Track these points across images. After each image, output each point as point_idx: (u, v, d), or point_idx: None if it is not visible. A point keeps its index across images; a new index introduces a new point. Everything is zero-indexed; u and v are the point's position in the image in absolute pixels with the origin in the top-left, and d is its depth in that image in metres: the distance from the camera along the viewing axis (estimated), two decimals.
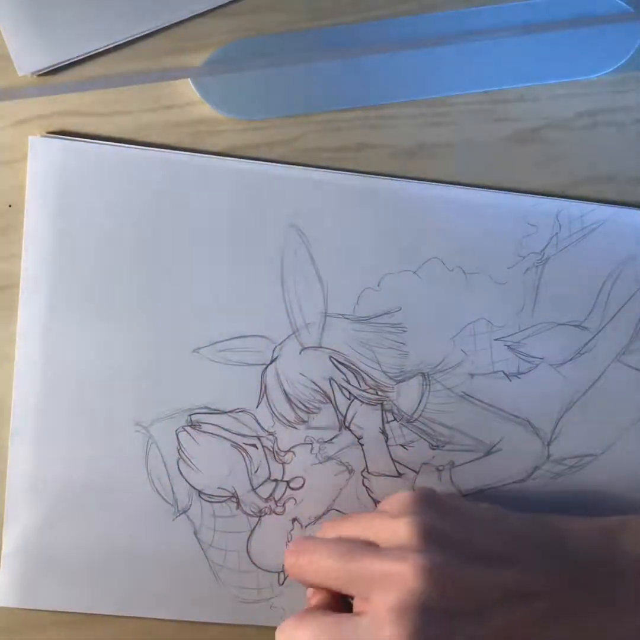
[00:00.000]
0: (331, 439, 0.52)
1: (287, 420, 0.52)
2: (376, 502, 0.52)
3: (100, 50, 0.49)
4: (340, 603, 0.47)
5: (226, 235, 0.51)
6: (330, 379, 0.52)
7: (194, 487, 0.51)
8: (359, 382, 0.52)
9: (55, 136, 0.50)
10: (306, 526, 0.52)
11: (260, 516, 0.52)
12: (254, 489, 0.52)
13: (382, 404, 0.52)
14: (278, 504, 0.52)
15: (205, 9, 0.48)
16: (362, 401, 0.52)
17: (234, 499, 0.52)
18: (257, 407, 0.52)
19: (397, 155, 0.51)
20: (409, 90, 0.50)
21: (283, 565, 0.52)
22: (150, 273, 0.50)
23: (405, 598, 0.42)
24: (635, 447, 0.53)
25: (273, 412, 0.52)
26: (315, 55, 0.49)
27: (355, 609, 0.45)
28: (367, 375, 0.52)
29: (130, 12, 0.48)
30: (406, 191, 0.51)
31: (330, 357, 0.52)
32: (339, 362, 0.52)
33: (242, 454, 0.52)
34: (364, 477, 0.52)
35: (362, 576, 0.44)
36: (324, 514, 0.52)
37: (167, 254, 0.50)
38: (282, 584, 0.53)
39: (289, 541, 0.52)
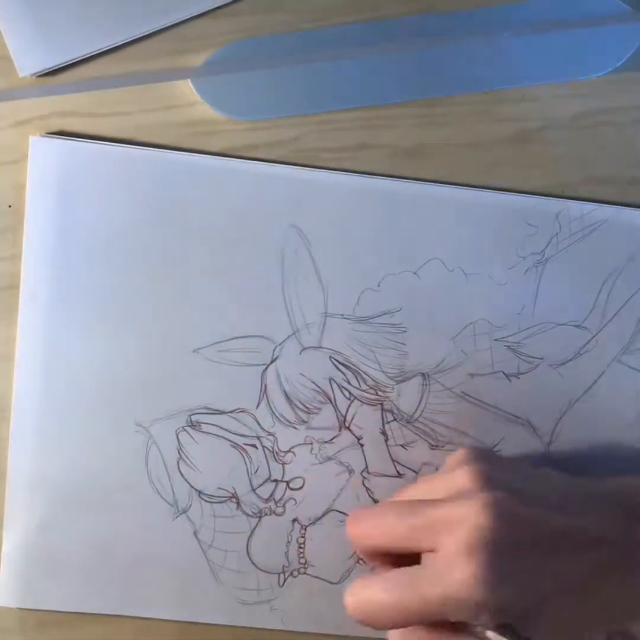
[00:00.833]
0: (331, 439, 0.52)
1: (287, 421, 0.52)
2: (376, 502, 0.53)
3: (101, 51, 0.49)
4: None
5: (226, 235, 0.51)
6: (331, 379, 0.52)
7: (194, 488, 0.51)
8: (359, 383, 0.52)
9: (55, 136, 0.50)
10: (306, 526, 0.52)
11: (260, 516, 0.52)
12: (254, 490, 0.52)
13: (382, 404, 0.52)
14: (278, 505, 0.52)
15: (205, 10, 0.48)
16: (362, 401, 0.52)
17: (234, 499, 0.52)
18: (257, 407, 0.52)
19: (397, 155, 0.51)
20: (409, 90, 0.50)
21: (284, 557, 0.52)
22: (151, 273, 0.50)
23: (472, 536, 0.41)
24: (635, 448, 0.53)
25: (273, 412, 0.52)
26: (315, 55, 0.49)
27: (423, 562, 0.44)
28: (367, 375, 0.52)
29: (131, 13, 0.48)
30: (407, 191, 0.51)
31: (331, 357, 0.52)
32: (339, 362, 0.52)
33: (242, 454, 0.52)
34: (364, 477, 0.52)
35: (426, 526, 0.43)
36: (324, 514, 0.52)
37: (167, 254, 0.50)
38: (283, 585, 0.53)
39: (289, 542, 0.52)
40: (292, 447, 0.52)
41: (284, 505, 0.52)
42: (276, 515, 0.52)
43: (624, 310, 0.52)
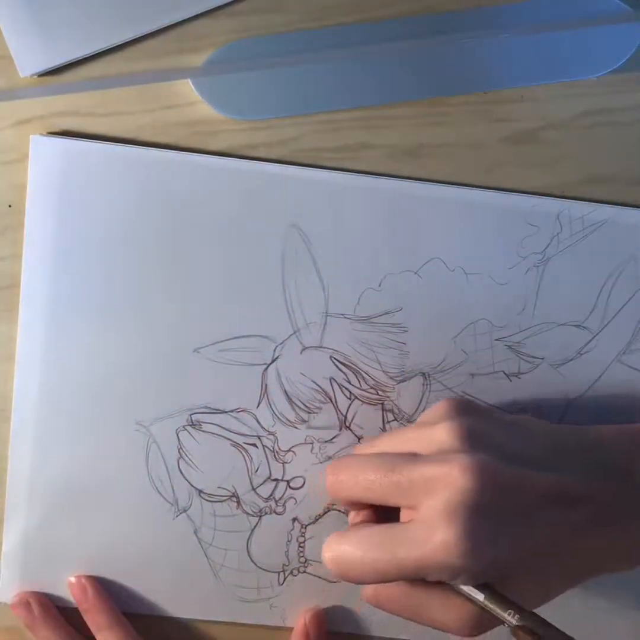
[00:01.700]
0: (331, 439, 0.52)
1: (288, 420, 0.52)
2: None
3: (101, 51, 0.49)
4: (383, 521, 0.46)
5: (227, 234, 0.51)
6: (331, 379, 0.52)
7: (194, 487, 0.52)
8: (359, 382, 0.52)
9: (56, 135, 0.50)
10: (306, 525, 0.53)
11: (260, 516, 0.52)
12: (254, 489, 0.52)
13: (382, 403, 0.52)
14: (278, 504, 0.52)
15: (205, 9, 0.48)
16: (362, 401, 0.52)
17: (234, 499, 0.52)
18: (257, 406, 0.52)
19: (397, 155, 0.51)
20: (409, 90, 0.50)
21: (284, 556, 0.52)
22: (151, 273, 0.51)
23: (454, 498, 0.41)
24: None
25: (273, 411, 0.52)
26: (315, 55, 0.49)
27: (402, 520, 0.44)
28: (368, 375, 0.52)
29: (131, 13, 0.48)
30: (407, 191, 0.51)
31: (331, 356, 0.52)
32: (340, 362, 0.52)
33: (242, 454, 0.52)
34: None
35: (407, 484, 0.43)
36: (324, 513, 0.53)
37: (167, 254, 0.50)
38: (282, 583, 0.53)
39: (289, 541, 0.53)
40: (293, 447, 0.52)
41: (284, 505, 0.52)
42: (276, 514, 0.52)
43: (624, 310, 0.52)
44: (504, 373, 0.52)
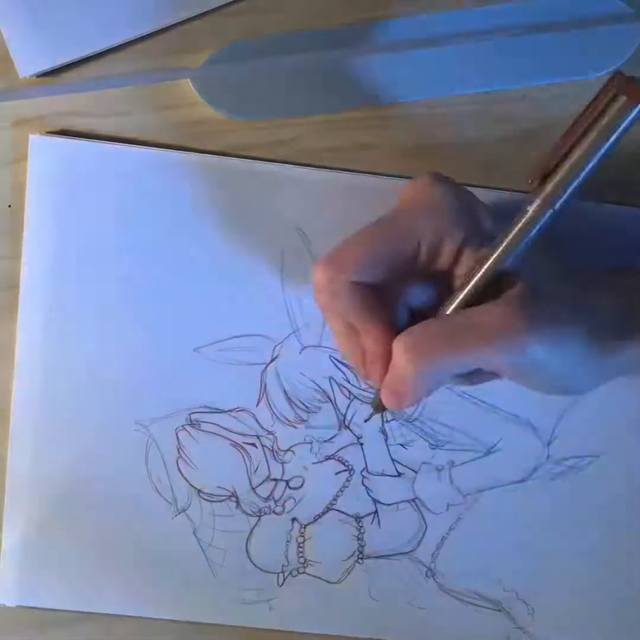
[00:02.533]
0: (331, 438, 0.52)
1: (287, 420, 0.52)
2: (376, 501, 0.53)
3: (101, 51, 0.49)
4: None
5: (227, 234, 0.51)
6: (330, 378, 0.52)
7: (193, 486, 0.52)
8: (358, 382, 0.52)
9: (55, 135, 0.50)
10: (306, 525, 0.53)
11: (259, 516, 0.52)
12: (253, 489, 0.52)
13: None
14: (277, 504, 0.52)
15: (205, 10, 0.48)
16: (361, 400, 0.52)
17: (234, 498, 0.52)
18: (256, 406, 0.52)
19: (397, 155, 0.51)
20: (409, 90, 0.50)
21: (284, 556, 0.53)
22: (150, 272, 0.51)
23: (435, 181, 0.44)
24: (636, 448, 0.53)
25: (273, 411, 0.52)
26: (315, 55, 0.49)
27: None
28: None
29: (131, 13, 0.48)
30: None
31: (330, 356, 0.52)
32: (339, 362, 0.52)
33: (241, 453, 0.52)
34: (363, 476, 0.52)
35: (394, 215, 0.43)
36: (323, 513, 0.53)
37: (167, 253, 0.50)
38: (282, 585, 0.53)
39: (288, 541, 0.53)
40: (292, 446, 0.52)
41: (283, 505, 0.52)
42: (275, 514, 0.52)
43: None
44: None
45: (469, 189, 0.50)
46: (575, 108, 0.51)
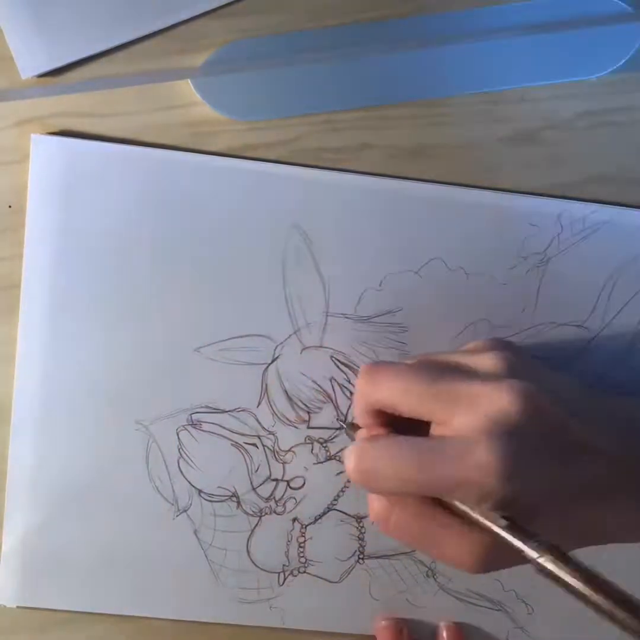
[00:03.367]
0: (332, 439, 0.52)
1: (288, 420, 0.52)
2: None
3: (101, 51, 0.49)
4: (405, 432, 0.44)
5: (228, 234, 0.51)
6: (331, 379, 0.52)
7: (194, 486, 0.52)
8: None
9: (57, 135, 0.50)
10: (307, 526, 0.53)
11: (260, 516, 0.52)
12: (254, 489, 0.52)
13: None
14: (278, 504, 0.52)
15: (205, 10, 0.48)
16: None
17: (234, 499, 0.52)
18: (257, 406, 0.52)
19: (397, 156, 0.51)
20: (409, 90, 0.50)
21: (284, 556, 0.53)
22: (151, 272, 0.51)
23: (498, 418, 0.40)
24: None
25: (274, 411, 0.52)
26: (315, 55, 0.49)
27: (433, 435, 0.42)
28: None
29: (131, 14, 0.48)
30: (408, 191, 0.51)
31: (332, 356, 0.52)
32: (340, 362, 0.52)
33: (242, 454, 0.52)
34: None
35: (447, 394, 0.41)
36: (324, 513, 0.52)
37: (167, 254, 0.50)
38: (282, 584, 0.53)
39: (289, 541, 0.53)
40: (293, 447, 0.52)
41: (284, 505, 0.52)
42: (276, 514, 0.52)
43: (624, 311, 0.52)
44: None
45: (471, 189, 0.51)
46: (575, 108, 0.52)
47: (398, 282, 0.51)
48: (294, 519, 0.53)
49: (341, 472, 0.52)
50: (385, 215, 0.51)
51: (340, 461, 0.52)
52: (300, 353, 0.52)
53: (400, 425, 0.44)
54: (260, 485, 0.52)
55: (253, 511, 0.52)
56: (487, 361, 0.43)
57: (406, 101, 0.50)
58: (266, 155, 0.50)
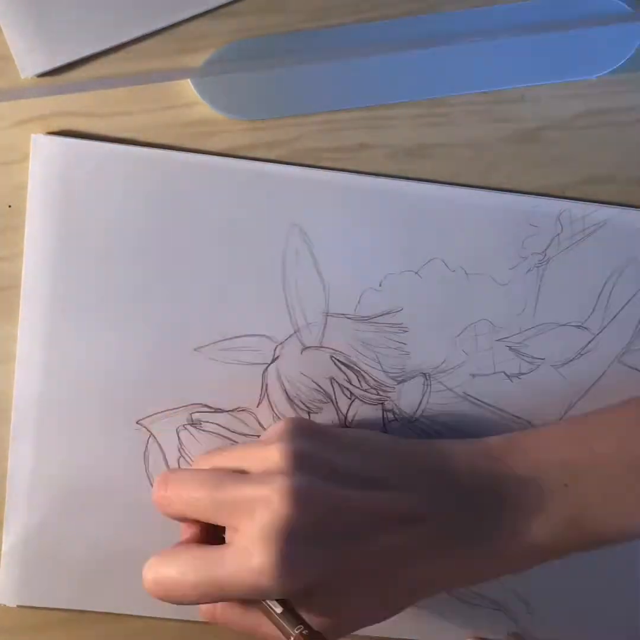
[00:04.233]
0: None
1: None
2: None
3: (101, 51, 0.49)
4: (212, 537, 0.47)
5: (228, 234, 0.51)
6: (331, 379, 0.52)
7: None
8: (360, 382, 0.52)
9: (57, 135, 0.50)
10: None
11: None
12: None
13: (383, 404, 0.52)
14: None
15: (205, 9, 0.48)
16: (363, 401, 0.52)
17: None
18: (257, 406, 0.52)
19: (397, 156, 0.51)
20: (409, 90, 0.50)
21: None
22: (152, 272, 0.50)
23: (270, 523, 0.42)
24: None
25: (274, 411, 0.52)
26: (315, 55, 0.49)
27: (227, 540, 0.45)
28: (368, 375, 0.52)
29: (131, 13, 0.48)
30: (408, 191, 0.51)
31: (332, 356, 0.52)
32: (340, 362, 0.52)
33: None
34: None
35: (229, 503, 0.44)
36: None
37: (168, 254, 0.50)
38: None
39: None
40: None
41: None
42: None
43: (625, 311, 0.52)
44: (505, 374, 0.52)
45: (471, 189, 0.51)
46: (575, 108, 0.52)
47: (398, 282, 0.51)
48: None
49: None
50: (386, 215, 0.51)
51: None
52: (301, 353, 0.52)
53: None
54: None
55: None
56: (269, 455, 0.45)
57: (406, 101, 0.50)
58: (266, 155, 0.50)
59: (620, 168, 0.52)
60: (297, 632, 0.41)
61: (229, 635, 0.52)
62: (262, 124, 0.50)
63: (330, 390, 0.52)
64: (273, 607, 0.43)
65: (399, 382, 0.52)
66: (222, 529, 0.46)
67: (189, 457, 0.51)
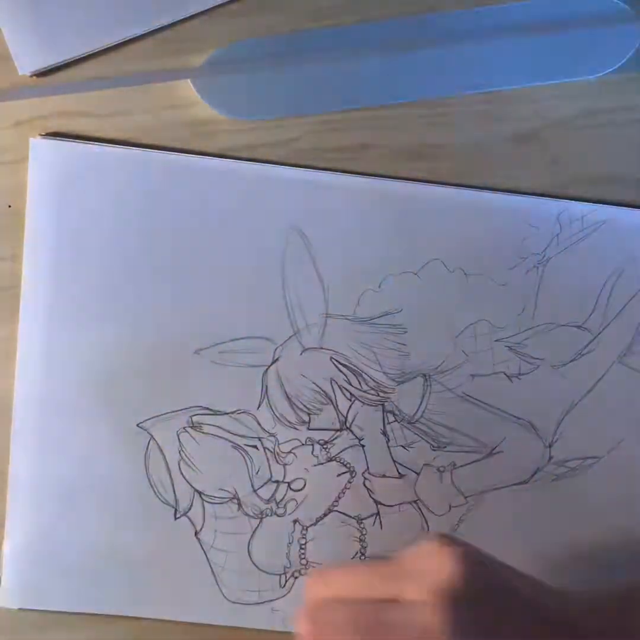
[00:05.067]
0: (332, 440, 0.52)
1: (288, 422, 0.52)
2: (377, 502, 0.52)
3: (100, 49, 0.49)
4: None
5: (228, 236, 0.50)
6: (331, 380, 0.52)
7: (195, 488, 0.51)
8: (360, 383, 0.52)
9: (56, 138, 0.50)
10: (308, 527, 0.52)
11: (261, 517, 0.52)
12: (255, 491, 0.52)
13: (383, 404, 0.52)
14: (279, 505, 0.52)
15: (205, 8, 0.48)
16: (363, 402, 0.52)
17: (235, 500, 0.52)
18: (258, 408, 0.51)
19: (397, 156, 0.51)
20: (409, 90, 0.50)
21: (286, 558, 0.52)
22: (151, 274, 0.50)
23: (438, 584, 0.39)
24: (637, 450, 0.53)
25: (274, 413, 0.52)
26: (315, 55, 0.49)
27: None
28: (368, 376, 0.52)
29: (130, 12, 0.48)
30: (407, 193, 0.51)
31: (331, 358, 0.52)
32: (340, 363, 0.52)
33: (243, 455, 0.52)
34: (365, 478, 0.52)
35: (395, 574, 0.41)
36: (325, 514, 0.52)
37: (168, 255, 0.50)
38: (284, 586, 0.53)
39: (290, 542, 0.52)
40: (293, 448, 0.52)
41: (285, 506, 0.52)
42: (277, 516, 0.52)
43: (624, 312, 0.52)
44: (505, 374, 0.52)
45: (470, 190, 0.51)
46: (575, 108, 0.52)
47: (397, 284, 0.51)
48: (295, 521, 0.52)
49: (342, 474, 0.52)
50: (385, 216, 0.51)
51: (341, 463, 0.52)
52: (300, 355, 0.52)
53: None
54: (261, 487, 0.52)
55: (254, 513, 0.52)
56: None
57: (406, 101, 0.50)
58: (266, 155, 0.50)
59: (620, 168, 0.52)
60: None
61: (231, 637, 0.52)
62: (261, 124, 0.50)
63: (330, 391, 0.52)
64: None
65: (399, 383, 0.52)
66: None
67: (189, 459, 0.51)
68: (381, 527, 0.53)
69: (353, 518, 0.52)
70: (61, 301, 0.50)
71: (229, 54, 0.49)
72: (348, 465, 0.52)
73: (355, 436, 0.52)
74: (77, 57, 0.49)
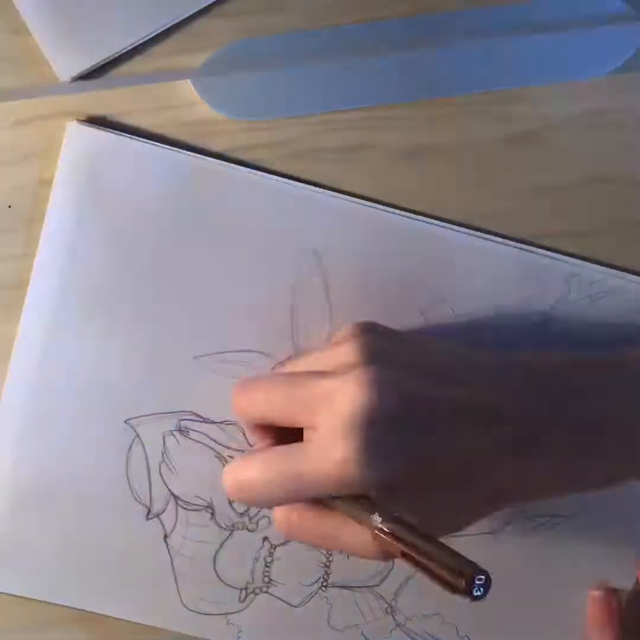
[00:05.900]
0: None
1: None
2: None
3: (107, 60, 0.49)
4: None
5: (243, 248, 0.50)
6: None
7: (171, 492, 0.50)
8: None
9: (90, 124, 0.50)
10: (276, 547, 0.51)
11: (232, 530, 0.51)
12: (230, 503, 0.51)
13: None
14: (251, 520, 0.51)
15: (205, 5, 0.49)
16: None
17: (210, 509, 0.51)
18: None
19: (397, 156, 0.50)
20: (409, 90, 0.50)
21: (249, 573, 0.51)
22: (160, 277, 0.50)
23: (350, 412, 0.41)
24: (606, 510, 0.52)
25: None
26: (315, 55, 0.49)
27: (305, 440, 0.44)
28: None
29: (130, 14, 0.49)
30: (426, 232, 0.50)
31: None
32: None
33: (224, 466, 0.50)
34: None
35: (307, 399, 0.43)
36: None
37: (178, 260, 0.50)
38: (243, 600, 0.51)
39: (256, 559, 0.51)
40: None
41: (257, 522, 0.51)
42: (248, 530, 0.51)
43: None
44: None
45: (487, 239, 0.50)
46: (575, 108, 0.51)
47: (404, 322, 0.50)
48: (265, 538, 0.51)
49: None
50: (402, 253, 0.50)
51: None
52: None
53: (287, 434, 0.45)
54: None
55: (225, 524, 0.51)
56: (343, 352, 0.44)
57: (406, 101, 0.50)
58: (266, 156, 0.50)
59: (620, 168, 0.51)
60: (378, 521, 0.39)
61: None
62: (262, 124, 0.50)
63: None
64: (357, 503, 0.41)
65: None
66: (299, 437, 0.44)
67: (170, 462, 0.50)
68: (347, 557, 0.52)
69: None
70: (66, 300, 0.50)
71: (229, 54, 0.50)
72: None
73: None
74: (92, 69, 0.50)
